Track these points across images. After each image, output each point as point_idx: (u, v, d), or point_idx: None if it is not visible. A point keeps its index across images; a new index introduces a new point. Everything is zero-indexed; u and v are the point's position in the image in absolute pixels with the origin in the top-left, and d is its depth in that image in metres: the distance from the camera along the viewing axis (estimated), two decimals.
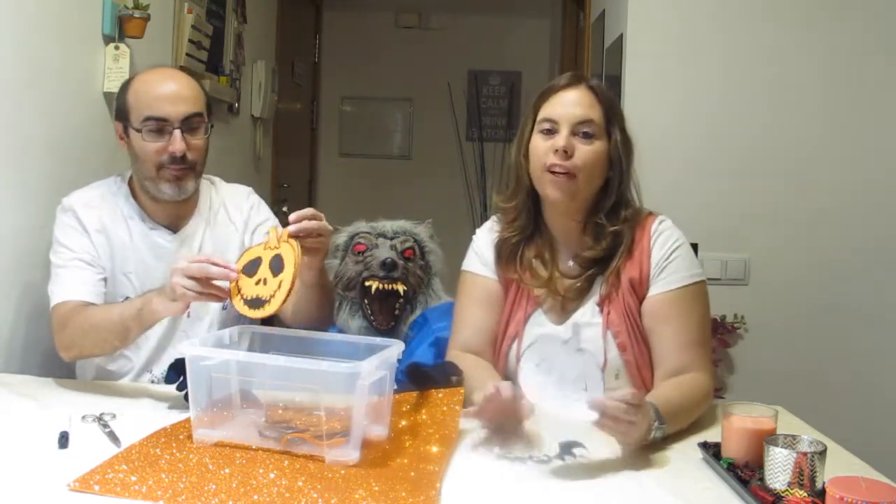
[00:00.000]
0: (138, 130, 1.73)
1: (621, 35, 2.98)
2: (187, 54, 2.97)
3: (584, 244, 1.63)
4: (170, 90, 1.75)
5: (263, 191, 3.73)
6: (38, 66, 1.98)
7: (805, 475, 1.14)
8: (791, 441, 1.22)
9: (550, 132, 1.58)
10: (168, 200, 1.79)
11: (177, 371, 1.49)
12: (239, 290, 1.43)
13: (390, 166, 5.72)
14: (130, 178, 1.87)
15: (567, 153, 1.55)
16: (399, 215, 2.15)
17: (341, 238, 2.08)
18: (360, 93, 5.73)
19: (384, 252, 2.00)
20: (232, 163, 3.50)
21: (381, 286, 1.98)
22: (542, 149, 1.58)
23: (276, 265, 1.43)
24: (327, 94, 5.71)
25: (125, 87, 1.81)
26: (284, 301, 1.40)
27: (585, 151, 1.56)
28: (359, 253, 2.02)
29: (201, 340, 1.45)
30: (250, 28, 3.83)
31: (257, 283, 1.42)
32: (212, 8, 3.32)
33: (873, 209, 2.85)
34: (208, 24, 3.20)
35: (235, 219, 1.92)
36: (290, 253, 1.43)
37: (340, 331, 1.97)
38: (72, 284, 1.75)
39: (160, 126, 1.72)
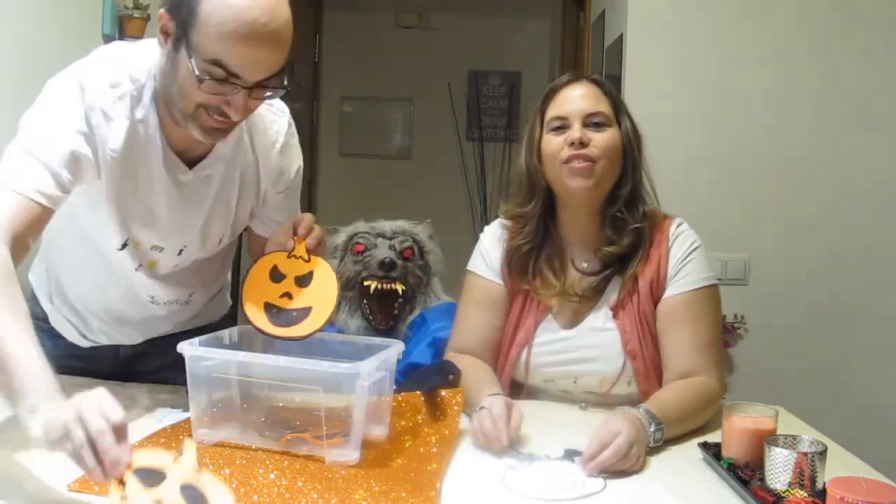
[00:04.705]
0: (193, 63, 1.29)
1: (621, 35, 2.98)
2: None
3: (603, 239, 1.61)
4: (259, 43, 1.25)
5: None
6: (37, 65, 1.98)
7: (805, 475, 1.14)
8: (791, 441, 1.22)
9: (562, 129, 1.58)
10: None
11: None
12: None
13: (390, 166, 5.72)
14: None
15: (583, 143, 1.55)
16: (399, 215, 2.14)
17: (340, 238, 2.08)
18: (360, 93, 5.72)
19: (383, 252, 2.00)
20: None
21: (379, 286, 1.98)
22: (555, 145, 1.58)
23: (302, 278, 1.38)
24: (327, 94, 5.71)
25: None
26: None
27: (600, 139, 1.56)
28: (358, 253, 2.02)
29: (201, 340, 1.43)
30: None
31: (282, 295, 1.37)
32: None
33: (873, 209, 2.85)
34: None
35: (262, 170, 1.60)
36: (327, 269, 1.39)
37: (340, 331, 1.96)
38: (28, 174, 1.29)
39: (227, 79, 1.28)
